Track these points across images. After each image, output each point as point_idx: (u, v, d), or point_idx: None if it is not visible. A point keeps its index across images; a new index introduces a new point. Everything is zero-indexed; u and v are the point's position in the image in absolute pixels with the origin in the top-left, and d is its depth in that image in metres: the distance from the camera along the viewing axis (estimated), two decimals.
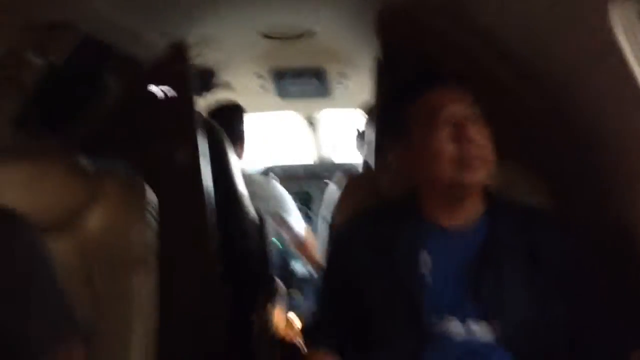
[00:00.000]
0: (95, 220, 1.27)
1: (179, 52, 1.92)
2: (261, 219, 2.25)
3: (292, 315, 2.40)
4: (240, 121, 2.55)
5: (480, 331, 1.06)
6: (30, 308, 0.94)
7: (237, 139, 2.45)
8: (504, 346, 1.05)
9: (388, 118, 1.29)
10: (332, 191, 2.31)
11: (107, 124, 1.76)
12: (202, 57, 2.28)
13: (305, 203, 3.21)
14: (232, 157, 2.16)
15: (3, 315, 0.91)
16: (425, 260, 1.12)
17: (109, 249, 1.26)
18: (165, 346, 1.28)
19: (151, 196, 1.35)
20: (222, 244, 1.95)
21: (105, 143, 1.69)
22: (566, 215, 1.25)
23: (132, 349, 1.22)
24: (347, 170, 2.42)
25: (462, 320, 1.07)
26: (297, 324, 2.34)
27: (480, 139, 1.09)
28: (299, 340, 2.18)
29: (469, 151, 1.08)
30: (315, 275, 2.51)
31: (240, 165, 2.32)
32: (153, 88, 1.90)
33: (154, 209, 1.34)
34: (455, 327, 1.07)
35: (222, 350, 1.86)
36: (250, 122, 2.78)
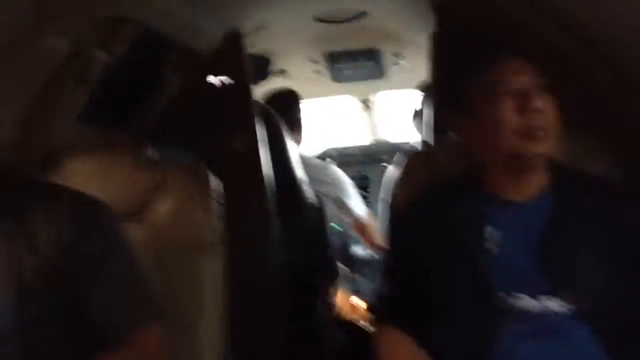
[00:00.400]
0: (162, 208, 1.33)
1: (234, 41, 1.94)
2: (320, 203, 2.25)
3: (355, 298, 2.39)
4: (296, 107, 2.55)
5: (554, 305, 1.03)
6: (112, 289, 0.98)
7: (294, 125, 2.45)
8: (580, 319, 1.02)
9: (449, 93, 1.27)
10: (392, 173, 2.29)
11: (168, 115, 1.80)
12: (256, 44, 2.29)
13: (364, 187, 3.18)
14: (290, 143, 2.17)
15: (85, 295, 0.94)
16: (492, 235, 1.10)
17: (176, 235, 1.31)
18: (231, 329, 1.32)
19: (214, 183, 1.39)
20: (282, 229, 1.96)
21: (168, 133, 1.73)
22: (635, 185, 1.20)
23: (201, 331, 1.27)
24: (405, 151, 2.40)
25: (534, 296, 1.04)
26: (362, 306, 2.33)
27: (544, 108, 1.07)
28: (365, 322, 2.18)
29: (532, 121, 1.06)
30: (377, 258, 2.50)
31: (299, 150, 2.32)
32: (210, 78, 1.92)
33: (218, 196, 1.38)
34: (527, 302, 1.04)
35: (284, 334, 1.88)
36: (306, 107, 2.78)
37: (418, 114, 2.46)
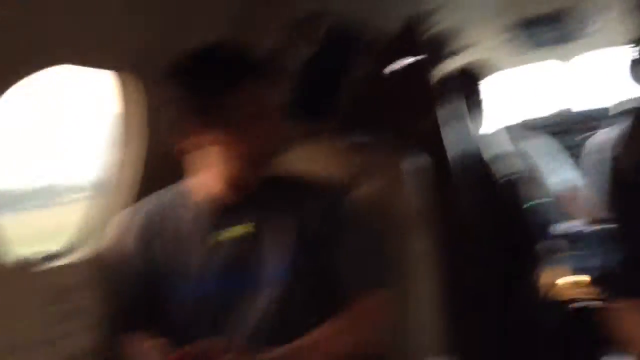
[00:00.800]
0: (366, 191, 1.37)
1: (411, 25, 1.94)
2: (514, 179, 2.14)
3: (569, 275, 2.24)
4: (478, 81, 2.47)
5: None
6: (352, 255, 1.14)
7: (477, 99, 2.38)
8: None
9: None
10: (604, 139, 2.10)
11: (358, 101, 1.85)
12: (440, 20, 2.25)
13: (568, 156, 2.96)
14: (475, 118, 2.10)
15: (332, 258, 1.13)
16: None
17: (381, 216, 1.35)
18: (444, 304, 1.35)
19: (413, 165, 1.41)
20: (474, 208, 1.91)
21: (360, 118, 1.78)
22: None
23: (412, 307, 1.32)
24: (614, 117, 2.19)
25: None
26: (580, 281, 2.18)
27: None
28: (585, 299, 2.03)
29: None
30: (591, 231, 2.30)
31: (488, 124, 2.25)
32: (390, 63, 1.94)
33: (418, 176, 1.39)
34: None
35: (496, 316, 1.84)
36: (499, 78, 2.67)
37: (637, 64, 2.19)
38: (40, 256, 1.21)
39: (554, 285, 2.17)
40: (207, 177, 1.15)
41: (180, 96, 1.10)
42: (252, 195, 1.16)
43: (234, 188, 1.14)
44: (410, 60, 1.90)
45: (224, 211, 1.15)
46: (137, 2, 1.20)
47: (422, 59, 1.90)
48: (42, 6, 1.04)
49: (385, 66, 1.92)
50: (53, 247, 1.31)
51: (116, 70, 1.30)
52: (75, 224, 1.37)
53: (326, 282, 1.12)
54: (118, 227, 1.23)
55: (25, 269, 1.13)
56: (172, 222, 1.18)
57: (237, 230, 1.13)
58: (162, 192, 1.25)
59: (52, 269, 1.20)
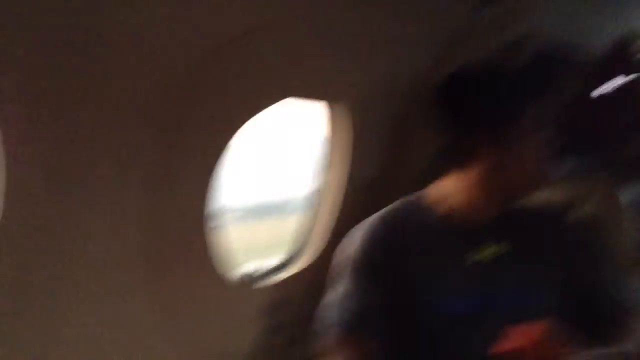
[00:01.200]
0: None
1: (623, 45, 1.82)
2: None
3: None
4: None
5: None
6: (607, 272, 1.08)
7: None
8: None
9: None
10: None
11: (564, 125, 1.78)
12: None
13: None
14: None
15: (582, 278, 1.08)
16: None
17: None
18: None
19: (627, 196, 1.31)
20: None
21: (566, 144, 1.70)
22: None
23: None
24: None
25: None
26: None
27: None
28: None
29: None
30: None
31: None
32: (602, 84, 1.83)
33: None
34: None
35: None
36: None
37: None
38: (259, 271, 1.29)
39: None
40: (462, 192, 1.14)
41: (461, 113, 1.12)
42: (501, 215, 1.12)
43: (488, 207, 1.11)
44: (623, 80, 1.79)
45: (478, 228, 1.11)
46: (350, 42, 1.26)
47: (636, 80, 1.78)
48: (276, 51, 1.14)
49: (596, 87, 1.83)
50: (271, 260, 1.40)
51: (329, 101, 1.37)
52: (291, 238, 1.47)
53: (585, 304, 1.08)
54: (356, 239, 1.21)
55: (245, 284, 1.22)
56: (416, 234, 1.13)
57: (492, 249, 1.10)
58: (395, 204, 1.24)
59: (268, 284, 1.27)
